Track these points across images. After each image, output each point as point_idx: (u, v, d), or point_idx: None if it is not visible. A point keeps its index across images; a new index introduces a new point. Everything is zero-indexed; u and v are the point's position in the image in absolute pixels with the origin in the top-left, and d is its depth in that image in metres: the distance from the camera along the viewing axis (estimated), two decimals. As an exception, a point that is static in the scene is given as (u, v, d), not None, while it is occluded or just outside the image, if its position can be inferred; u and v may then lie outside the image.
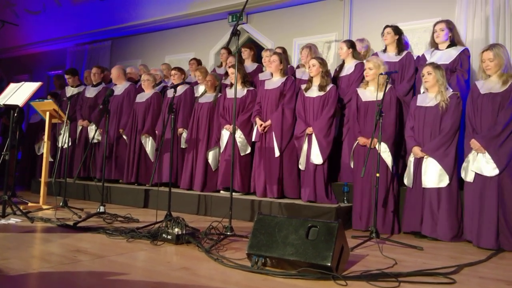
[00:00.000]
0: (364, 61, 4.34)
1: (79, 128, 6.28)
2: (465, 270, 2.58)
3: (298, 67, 5.43)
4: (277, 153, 4.46)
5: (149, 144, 5.61)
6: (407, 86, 4.43)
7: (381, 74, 3.72)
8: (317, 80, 4.41)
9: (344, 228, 2.47)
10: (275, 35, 6.69)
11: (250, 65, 5.79)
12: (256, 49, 6.00)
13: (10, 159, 3.94)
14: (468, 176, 3.47)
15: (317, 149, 4.22)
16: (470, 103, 3.56)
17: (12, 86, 4.38)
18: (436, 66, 3.77)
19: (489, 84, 3.51)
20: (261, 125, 4.56)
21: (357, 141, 4.04)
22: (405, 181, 3.86)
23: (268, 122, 4.55)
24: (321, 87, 4.37)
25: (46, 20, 9.45)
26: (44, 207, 4.61)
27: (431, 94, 3.81)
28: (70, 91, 6.66)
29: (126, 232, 3.23)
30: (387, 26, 4.65)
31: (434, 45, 4.37)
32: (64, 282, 2.11)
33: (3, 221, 3.67)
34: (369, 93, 4.08)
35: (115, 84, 6.14)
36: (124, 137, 5.78)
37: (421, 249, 3.15)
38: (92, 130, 6.09)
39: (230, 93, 4.94)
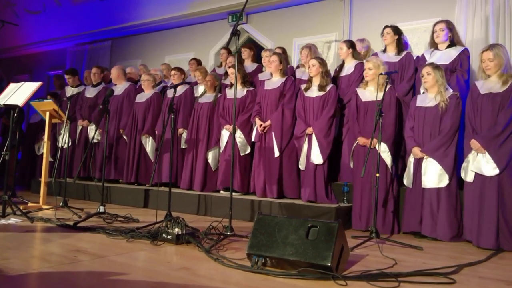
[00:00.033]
0: (364, 61, 4.34)
1: (79, 128, 6.28)
2: (465, 270, 2.58)
3: (298, 67, 5.43)
4: (276, 153, 4.46)
5: (149, 144, 5.61)
6: (407, 86, 4.43)
7: (381, 74, 3.72)
8: (317, 80, 4.42)
9: (344, 228, 2.47)
10: (275, 35, 6.69)
11: (250, 65, 5.79)
12: (256, 49, 6.00)
13: (10, 159, 3.94)
14: (468, 176, 3.47)
15: (317, 149, 4.23)
16: (470, 103, 3.56)
17: (12, 86, 4.38)
18: (435, 67, 3.77)
19: (489, 84, 3.51)
20: (260, 125, 4.57)
21: (356, 141, 4.05)
22: (405, 182, 3.86)
23: (268, 122, 4.55)
24: (321, 87, 4.37)
25: (46, 20, 9.46)
26: (44, 207, 4.61)
27: (430, 95, 3.81)
28: (70, 91, 6.66)
29: (126, 232, 3.23)
30: (386, 26, 4.65)
31: (433, 45, 4.37)
32: (64, 282, 2.11)
33: (3, 221, 3.67)
34: (369, 93, 4.08)
35: (115, 84, 6.15)
36: (125, 137, 5.78)
37: (421, 249, 3.15)
38: (92, 130, 6.09)
39: (230, 93, 4.94)
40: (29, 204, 4.68)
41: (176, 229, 3.01)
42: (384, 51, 4.70)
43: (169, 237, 3.01)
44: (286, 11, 6.63)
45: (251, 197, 4.47)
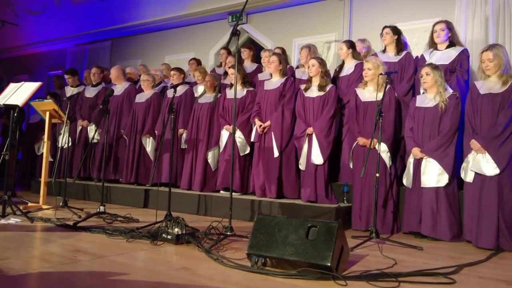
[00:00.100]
0: (364, 61, 4.34)
1: (79, 128, 6.28)
2: (464, 270, 2.59)
3: (297, 67, 5.43)
4: (276, 154, 4.46)
5: (149, 144, 5.62)
6: (407, 86, 4.43)
7: (381, 74, 3.72)
8: (317, 80, 4.42)
9: (344, 228, 2.47)
10: (275, 35, 6.70)
11: (249, 65, 5.78)
12: (256, 49, 6.00)
13: (10, 159, 3.94)
14: (467, 176, 3.47)
15: (317, 149, 4.23)
16: (470, 103, 3.56)
17: (12, 86, 4.38)
18: (434, 67, 3.77)
19: (488, 84, 3.51)
20: (260, 125, 4.57)
21: (356, 141, 4.05)
22: (404, 182, 3.86)
23: (268, 123, 4.55)
24: (321, 87, 4.37)
25: (46, 20, 9.46)
26: (44, 207, 4.61)
27: (430, 95, 3.81)
28: (69, 91, 6.65)
29: (126, 232, 3.23)
30: (385, 27, 4.65)
31: (432, 45, 4.37)
32: (64, 282, 2.11)
33: (3, 221, 3.67)
34: (368, 93, 4.09)
35: (115, 84, 6.15)
36: (125, 137, 5.78)
37: (420, 249, 3.16)
38: (92, 130, 6.09)
39: (230, 93, 4.94)
40: (29, 204, 4.67)
41: (176, 229, 3.01)
42: (384, 51, 4.70)
43: (169, 237, 3.01)
44: (286, 11, 6.63)
45: (251, 197, 4.47)
